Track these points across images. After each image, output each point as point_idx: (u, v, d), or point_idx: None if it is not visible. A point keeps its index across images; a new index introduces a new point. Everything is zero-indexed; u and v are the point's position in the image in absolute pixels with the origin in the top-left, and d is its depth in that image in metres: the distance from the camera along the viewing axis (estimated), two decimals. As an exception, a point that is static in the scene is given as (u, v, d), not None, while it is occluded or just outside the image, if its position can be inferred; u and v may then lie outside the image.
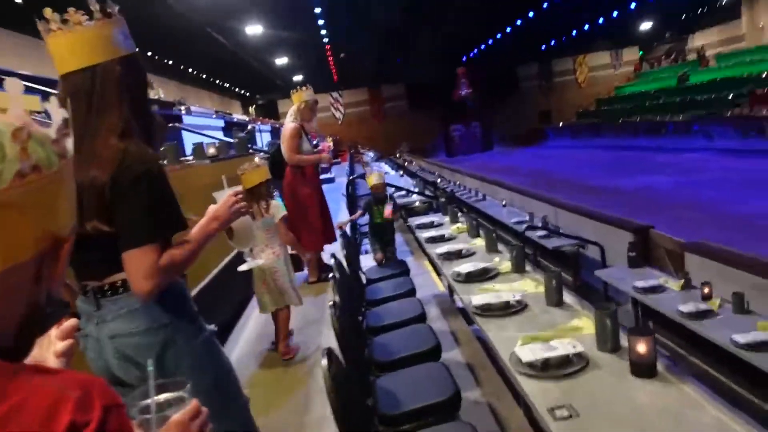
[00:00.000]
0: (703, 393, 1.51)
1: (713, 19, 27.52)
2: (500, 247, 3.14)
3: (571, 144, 26.12)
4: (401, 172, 14.13)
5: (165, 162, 3.30)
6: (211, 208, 1.53)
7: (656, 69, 30.73)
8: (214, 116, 12.35)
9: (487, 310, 2.10)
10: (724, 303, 3.33)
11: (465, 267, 2.57)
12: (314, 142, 5.26)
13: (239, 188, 1.62)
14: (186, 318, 1.51)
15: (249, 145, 5.99)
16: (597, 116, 27.86)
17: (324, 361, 1.57)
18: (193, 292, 3.13)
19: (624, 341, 1.76)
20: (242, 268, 2.71)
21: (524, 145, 28.60)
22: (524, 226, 5.79)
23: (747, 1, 25.17)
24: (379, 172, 4.35)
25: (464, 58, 30.72)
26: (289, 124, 4.55)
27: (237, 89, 31.72)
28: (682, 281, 3.71)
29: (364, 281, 3.52)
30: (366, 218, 4.60)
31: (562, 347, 1.71)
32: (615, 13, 25.31)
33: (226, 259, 4.07)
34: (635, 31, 31.07)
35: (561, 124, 29.86)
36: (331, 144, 5.02)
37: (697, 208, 9.39)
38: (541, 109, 32.15)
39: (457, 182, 10.78)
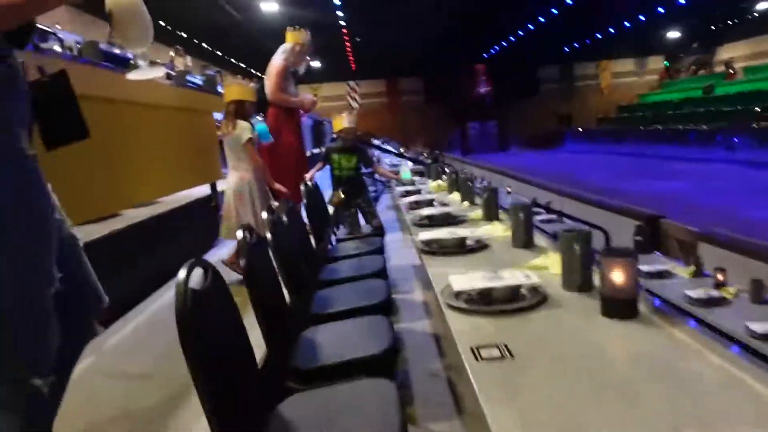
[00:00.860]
0: (705, 340, 1.10)
1: (743, 32, 26.68)
2: (479, 201, 2.67)
3: (589, 149, 25.55)
4: (402, 149, 13.76)
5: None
6: None
7: (681, 79, 29.95)
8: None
9: (437, 247, 1.69)
10: (740, 293, 2.89)
11: (429, 211, 2.15)
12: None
13: None
14: None
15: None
16: (618, 123, 27.24)
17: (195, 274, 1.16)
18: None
19: (598, 281, 1.35)
20: (130, 75, 2.24)
21: (542, 148, 28.06)
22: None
23: (780, 15, 24.42)
24: (349, 115, 3.91)
25: (485, 55, 30.16)
26: (277, 59, 4.18)
27: (252, 70, 31.45)
28: (693, 268, 3.27)
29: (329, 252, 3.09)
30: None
31: (511, 277, 1.31)
32: (642, 18, 24.61)
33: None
34: (661, 40, 30.30)
35: (580, 128, 29.26)
36: (315, 98, 4.59)
37: (708, 210, 8.94)
38: (561, 112, 31.49)
39: (465, 169, 10.35)
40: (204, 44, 22.83)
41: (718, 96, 22.75)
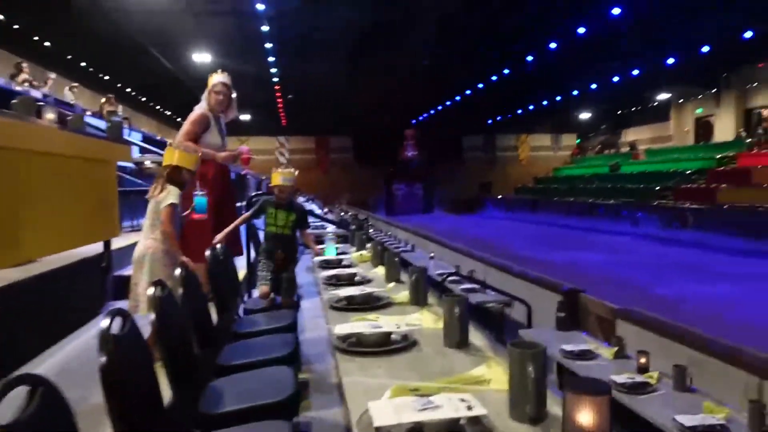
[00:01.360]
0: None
1: (645, 118, 29.55)
2: (405, 277, 2.45)
3: (507, 216, 26.64)
4: (326, 209, 13.54)
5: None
6: None
7: (591, 156, 32.38)
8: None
9: (354, 345, 1.44)
10: (663, 377, 2.83)
11: (347, 291, 1.91)
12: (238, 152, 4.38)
13: None
14: None
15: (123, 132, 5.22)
16: (534, 193, 28.72)
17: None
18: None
19: (555, 408, 1.14)
20: None
21: (464, 212, 28.98)
22: (445, 275, 5.25)
23: (675, 107, 27.34)
24: (290, 170, 3.55)
25: (413, 121, 31.24)
26: (196, 107, 3.86)
27: (178, 118, 30.67)
28: (615, 348, 3.22)
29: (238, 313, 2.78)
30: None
31: (448, 406, 1.06)
32: (558, 98, 26.61)
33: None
34: (575, 119, 32.90)
35: (500, 196, 30.61)
36: (248, 149, 4.15)
37: (623, 285, 9.34)
38: (483, 179, 32.90)
39: (389, 233, 10.26)
40: (135, 93, 22.05)
41: (623, 174, 24.67)
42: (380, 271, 2.56)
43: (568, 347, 3.29)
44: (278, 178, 3.45)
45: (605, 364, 3.12)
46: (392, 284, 1.99)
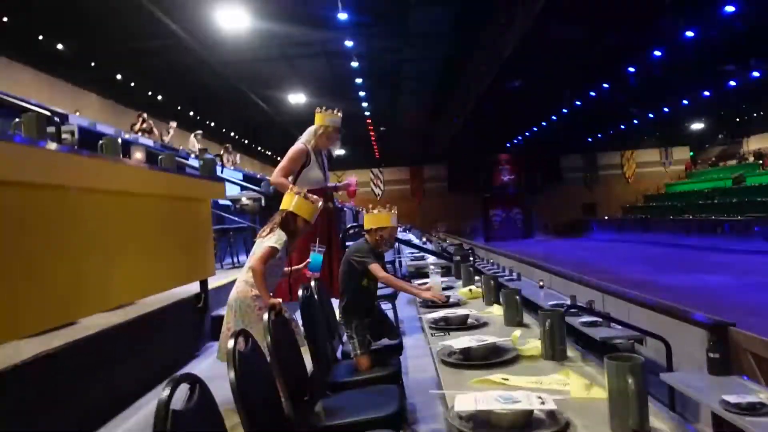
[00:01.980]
0: None
1: (768, 124, 26.55)
2: (528, 320, 2.01)
3: (616, 237, 24.83)
4: (424, 239, 13.14)
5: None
6: None
7: (709, 169, 29.56)
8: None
9: (481, 426, 1.06)
10: None
11: (462, 341, 1.51)
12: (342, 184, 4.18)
13: None
14: None
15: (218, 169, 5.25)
16: (645, 212, 26.66)
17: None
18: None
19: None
20: None
21: (566, 236, 27.49)
22: (564, 309, 4.68)
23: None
24: (390, 210, 2.73)
25: (508, 144, 30.45)
26: (297, 143, 3.75)
27: (278, 158, 32.21)
28: (796, 401, 2.56)
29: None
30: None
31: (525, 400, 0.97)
32: (666, 110, 24.68)
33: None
34: (686, 130, 30.33)
35: (606, 217, 28.75)
36: (356, 180, 3.91)
37: (764, 313, 8.08)
38: (585, 201, 31.13)
39: (491, 261, 9.74)
40: (237, 137, 23.51)
41: (750, 186, 22.15)
42: (496, 311, 2.15)
43: (732, 398, 2.67)
44: (389, 219, 2.73)
45: (786, 422, 2.48)
46: (518, 331, 1.59)
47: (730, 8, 12.98)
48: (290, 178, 3.70)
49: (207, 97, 17.63)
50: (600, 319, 4.53)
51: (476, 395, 1.12)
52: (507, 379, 1.25)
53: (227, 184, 4.37)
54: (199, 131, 13.86)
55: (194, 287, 3.32)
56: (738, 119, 27.96)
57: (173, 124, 13.38)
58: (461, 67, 16.19)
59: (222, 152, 13.75)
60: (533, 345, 1.50)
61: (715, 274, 12.80)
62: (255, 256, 2.51)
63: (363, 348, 2.54)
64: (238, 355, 1.43)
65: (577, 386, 1.16)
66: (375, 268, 2.64)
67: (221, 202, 5.35)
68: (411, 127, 24.49)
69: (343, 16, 12.11)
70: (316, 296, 2.61)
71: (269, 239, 2.53)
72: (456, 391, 1.17)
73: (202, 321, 3.42)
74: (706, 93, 21.76)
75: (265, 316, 1.86)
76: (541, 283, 6.53)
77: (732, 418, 2.65)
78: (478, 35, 13.97)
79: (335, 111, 3.86)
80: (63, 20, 12.09)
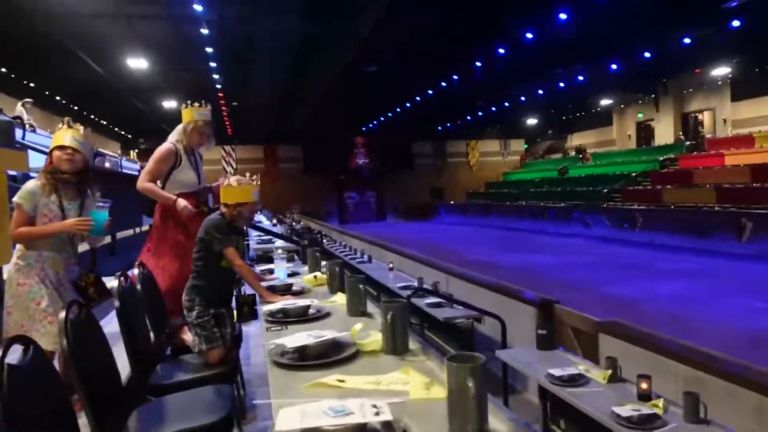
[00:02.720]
0: None
1: (589, 123, 30.33)
2: (372, 308, 1.91)
3: (461, 221, 26.65)
4: (275, 221, 12.80)
5: None
6: None
7: (540, 160, 32.95)
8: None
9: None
10: (669, 405, 2.45)
11: (298, 338, 1.33)
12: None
13: None
14: None
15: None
16: (486, 197, 28.89)
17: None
18: None
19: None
20: None
21: (416, 218, 28.86)
22: (410, 291, 4.78)
23: (616, 112, 28.20)
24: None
25: (363, 128, 30.89)
26: (164, 144, 3.32)
27: (116, 129, 29.11)
28: (608, 372, 2.82)
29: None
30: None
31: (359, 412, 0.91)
32: (506, 104, 26.85)
33: None
34: (523, 125, 33.44)
35: (452, 201, 30.65)
36: (236, 179, 3.36)
37: (581, 289, 9.21)
38: (434, 185, 32.90)
39: (343, 243, 9.74)
40: (62, 100, 20.55)
41: (572, 177, 25.11)
42: (340, 299, 2.02)
43: (555, 371, 2.88)
44: (250, 193, 2.53)
45: (599, 391, 2.72)
46: (359, 324, 1.46)
47: (563, 15, 14.44)
48: (158, 183, 3.30)
49: (24, 53, 15.18)
50: (444, 300, 4.69)
51: (303, 408, 0.97)
52: (343, 381, 1.12)
53: (34, 153, 3.69)
54: (29, 99, 11.86)
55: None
56: (564, 117, 31.50)
57: None
58: (316, 46, 15.90)
59: (22, 111, 11.56)
60: (374, 339, 1.39)
61: (543, 254, 14.32)
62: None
63: (215, 342, 2.25)
64: (8, 369, 1.12)
65: (416, 386, 1.07)
66: (231, 253, 2.43)
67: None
68: (266, 104, 23.59)
69: (191, -24, 11.14)
70: (139, 286, 2.27)
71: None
72: (283, 400, 1.00)
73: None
74: (540, 91, 24.06)
75: (62, 315, 1.52)
76: (390, 266, 6.64)
77: (555, 390, 2.86)
78: (334, 15, 13.79)
79: (204, 104, 3.50)
80: None
